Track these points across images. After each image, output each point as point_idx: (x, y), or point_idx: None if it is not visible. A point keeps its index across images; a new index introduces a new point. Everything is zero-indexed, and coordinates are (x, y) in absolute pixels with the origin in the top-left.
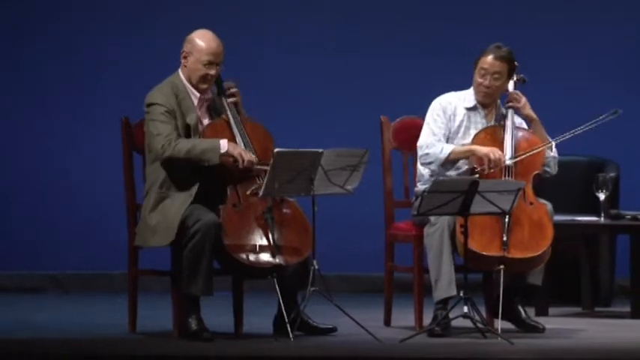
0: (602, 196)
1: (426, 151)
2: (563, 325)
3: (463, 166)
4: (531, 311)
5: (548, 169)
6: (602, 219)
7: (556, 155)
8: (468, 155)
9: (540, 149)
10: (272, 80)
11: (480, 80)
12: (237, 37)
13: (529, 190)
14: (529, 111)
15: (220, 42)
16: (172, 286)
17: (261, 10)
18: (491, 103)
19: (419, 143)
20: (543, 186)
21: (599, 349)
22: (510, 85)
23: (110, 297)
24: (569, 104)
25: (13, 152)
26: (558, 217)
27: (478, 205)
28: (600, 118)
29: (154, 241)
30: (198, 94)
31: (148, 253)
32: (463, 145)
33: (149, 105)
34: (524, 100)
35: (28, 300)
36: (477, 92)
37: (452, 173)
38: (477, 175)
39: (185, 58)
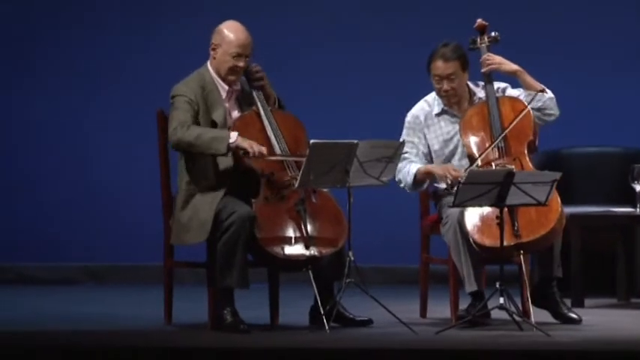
0: (637, 187)
1: (398, 176)
2: (599, 317)
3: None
4: (568, 303)
5: (549, 111)
6: (638, 210)
7: (552, 95)
8: (428, 177)
9: (521, 116)
10: (303, 71)
11: (438, 86)
12: (265, 29)
13: (526, 162)
14: (509, 66)
15: (249, 34)
16: (207, 279)
17: (289, 3)
18: (459, 101)
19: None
20: (577, 175)
21: (635, 341)
22: (484, 49)
23: (145, 289)
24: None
25: (48, 144)
26: (594, 209)
27: (514, 197)
28: None
29: (188, 238)
30: (226, 87)
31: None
32: (459, 149)
33: (173, 97)
34: (498, 58)
35: (63, 292)
36: (440, 98)
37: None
38: (454, 190)
39: (214, 50)
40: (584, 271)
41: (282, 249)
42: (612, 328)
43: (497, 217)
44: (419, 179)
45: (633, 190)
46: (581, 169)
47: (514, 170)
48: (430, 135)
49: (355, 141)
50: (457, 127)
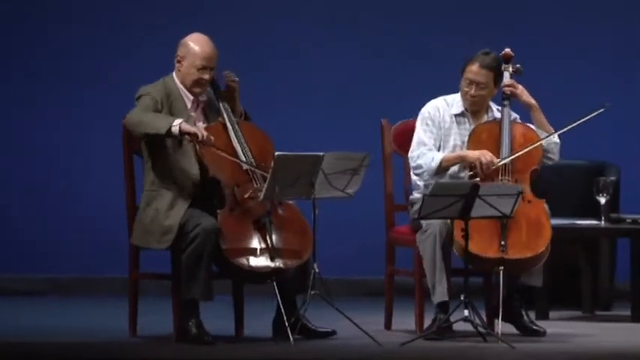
0: (602, 200)
1: (418, 162)
2: (563, 329)
3: (461, 173)
4: (532, 315)
5: (551, 155)
6: (603, 223)
7: (558, 141)
8: (459, 162)
9: (536, 145)
10: (271, 83)
11: (467, 89)
12: (237, 40)
13: (527, 188)
14: (528, 98)
15: (214, 46)
16: (172, 290)
17: (260, 14)
18: (479, 111)
19: (410, 154)
20: (543, 189)
21: (599, 353)
22: (507, 76)
23: (111, 300)
24: (570, 100)
25: (13, 156)
26: (558, 221)
27: (479, 209)
28: (593, 114)
29: (150, 241)
30: (191, 97)
31: (148, 256)
32: (454, 151)
33: (139, 97)
34: (521, 87)
35: (29, 303)
36: (464, 100)
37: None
38: (478, 179)
39: (179, 62)
40: (549, 283)
41: (247, 260)
42: (577, 341)
43: (462, 230)
44: (445, 166)
45: (598, 202)
46: (546, 182)
47: (479, 183)
48: (442, 130)
49: (320, 153)
50: (467, 132)
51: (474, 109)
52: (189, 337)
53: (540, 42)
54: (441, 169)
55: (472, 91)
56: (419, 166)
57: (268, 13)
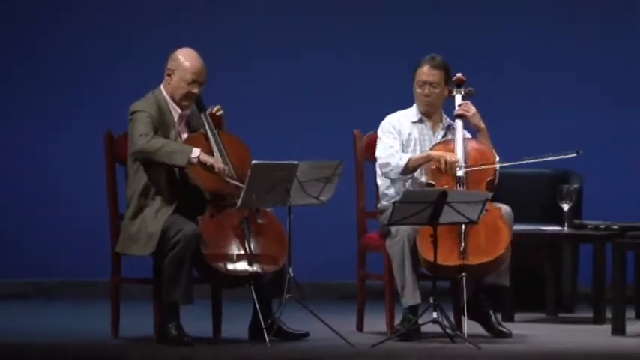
0: (565, 207)
1: (386, 160)
2: (528, 331)
3: (422, 177)
4: (498, 317)
5: None
6: (566, 228)
7: (496, 168)
8: (426, 161)
9: (491, 166)
10: (248, 94)
11: (420, 91)
12: (213, 51)
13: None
14: (478, 121)
15: (203, 62)
16: (154, 294)
17: (236, 25)
18: (434, 112)
19: (377, 155)
20: (508, 195)
21: (562, 354)
22: (459, 98)
23: (93, 303)
24: (535, 124)
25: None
26: (524, 227)
27: (447, 216)
28: (553, 156)
29: (135, 249)
30: (179, 110)
31: (131, 261)
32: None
33: (133, 112)
34: (473, 110)
35: (14, 306)
36: (419, 103)
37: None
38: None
39: (169, 75)
40: (514, 286)
41: (226, 265)
42: (541, 342)
43: (431, 236)
44: (412, 165)
45: (561, 209)
46: (512, 190)
47: (447, 190)
48: (403, 137)
49: (295, 162)
50: (428, 140)
51: (429, 110)
52: (170, 339)
53: (505, 61)
54: (408, 168)
55: (426, 91)
56: (387, 164)
57: (246, 24)
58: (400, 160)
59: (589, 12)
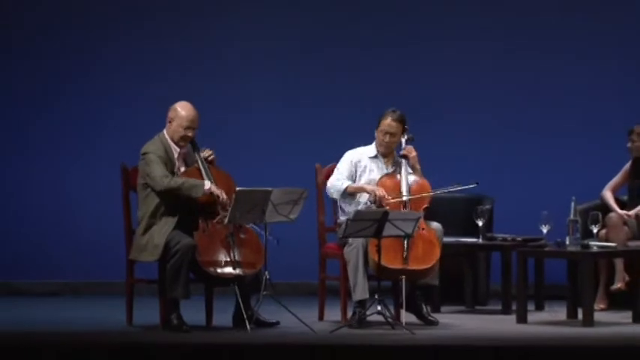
0: (480, 223)
1: (331, 183)
2: (452, 320)
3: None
4: (429, 309)
5: None
6: (480, 240)
7: None
8: (360, 191)
9: (429, 195)
10: (233, 134)
11: (382, 137)
12: (202, 99)
13: (421, 219)
14: (415, 163)
15: (197, 112)
16: (159, 292)
17: (221, 73)
18: (389, 153)
19: (328, 180)
20: (437, 214)
21: (477, 338)
22: (403, 142)
23: (112, 299)
24: (454, 157)
25: (37, 187)
26: (448, 239)
27: (388, 230)
28: (463, 186)
29: (144, 256)
30: (178, 149)
31: (141, 266)
32: (368, 183)
33: (145, 153)
34: (414, 154)
35: (48, 302)
36: (379, 146)
37: (354, 207)
38: (375, 205)
39: (170, 122)
40: (441, 285)
41: (216, 269)
42: (462, 328)
43: (375, 246)
44: (349, 191)
45: (477, 225)
46: (440, 210)
47: (388, 211)
48: (359, 171)
49: (270, 188)
50: (379, 172)
51: (387, 152)
52: (172, 327)
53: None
54: (346, 193)
55: (387, 139)
56: (332, 186)
57: (215, 60)
58: (341, 185)
59: (490, 54)
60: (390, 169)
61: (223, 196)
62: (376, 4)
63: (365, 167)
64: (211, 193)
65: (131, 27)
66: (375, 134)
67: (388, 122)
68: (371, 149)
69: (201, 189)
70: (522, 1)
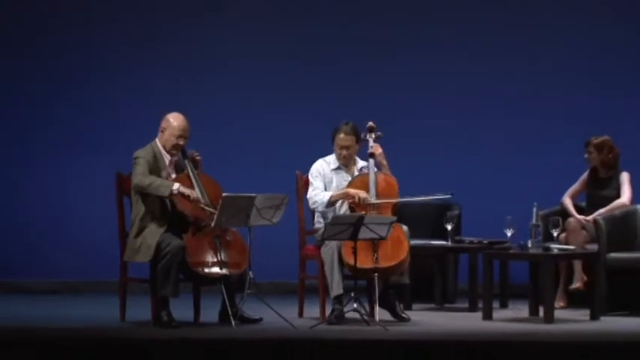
0: (449, 227)
1: (314, 199)
2: (422, 317)
3: (343, 207)
4: (401, 306)
5: None
6: (449, 243)
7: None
8: (344, 196)
9: (396, 200)
10: (220, 143)
11: (339, 152)
12: (193, 110)
13: (388, 214)
14: (382, 159)
15: (188, 122)
16: (150, 290)
17: (210, 88)
18: (349, 163)
19: (308, 196)
20: (409, 219)
21: (446, 333)
22: (371, 141)
23: (107, 297)
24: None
25: (38, 193)
26: (419, 241)
27: (364, 233)
28: (436, 195)
29: (137, 258)
30: (169, 157)
31: (134, 266)
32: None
33: (136, 158)
34: (380, 150)
35: (49, 300)
36: (338, 159)
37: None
38: (363, 212)
39: (162, 131)
40: (412, 284)
41: (203, 269)
42: (432, 325)
43: (352, 247)
44: (333, 200)
45: (446, 229)
46: (411, 215)
47: (363, 215)
48: (326, 181)
49: (254, 194)
50: (344, 183)
51: (345, 162)
52: (162, 323)
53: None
54: (331, 203)
55: (344, 153)
56: (315, 202)
57: (205, 75)
58: (324, 197)
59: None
60: (354, 175)
61: (193, 194)
62: (344, 17)
63: (331, 180)
64: (181, 194)
65: (130, 52)
66: (334, 147)
67: (342, 137)
68: (332, 160)
69: (168, 189)
70: (483, 13)
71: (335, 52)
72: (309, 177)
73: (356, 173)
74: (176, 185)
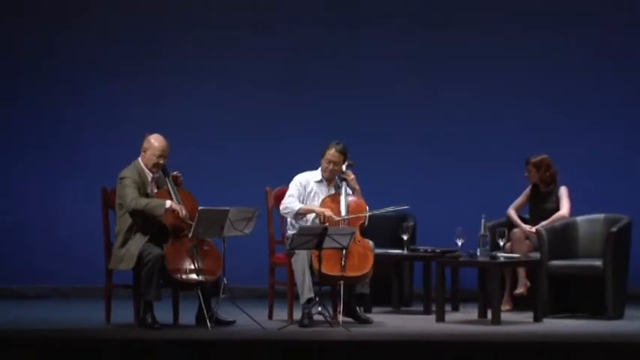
0: (405, 237)
1: (286, 205)
2: (381, 319)
3: (316, 219)
4: (361, 310)
5: None
6: (405, 251)
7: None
8: (310, 212)
9: (364, 215)
10: (196, 162)
11: (326, 166)
12: (171, 132)
13: (357, 234)
14: (355, 184)
15: (167, 143)
16: (134, 295)
17: (188, 107)
18: (332, 178)
19: (282, 202)
20: (369, 230)
21: (402, 333)
22: (344, 167)
23: (93, 301)
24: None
25: (32, 206)
26: (378, 250)
27: (328, 243)
28: (395, 207)
29: (121, 266)
30: (151, 175)
31: (118, 273)
32: (312, 204)
33: (122, 178)
34: (352, 176)
35: (37, 304)
36: (323, 172)
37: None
38: (322, 222)
39: (144, 151)
40: (372, 289)
41: (182, 275)
42: (390, 326)
43: (317, 257)
44: (301, 212)
45: (402, 239)
46: (372, 226)
47: (327, 227)
48: (307, 193)
49: (227, 208)
50: (322, 196)
51: (330, 177)
52: (145, 324)
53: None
54: (299, 213)
55: (331, 167)
56: (286, 208)
57: (182, 100)
58: (294, 207)
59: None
60: (333, 192)
61: (182, 211)
62: (317, 39)
63: (312, 190)
64: (173, 210)
65: (118, 69)
66: (321, 162)
67: (332, 152)
68: (317, 174)
69: (162, 208)
70: (441, 33)
71: (306, 76)
72: (291, 184)
73: (332, 190)
74: (168, 203)
